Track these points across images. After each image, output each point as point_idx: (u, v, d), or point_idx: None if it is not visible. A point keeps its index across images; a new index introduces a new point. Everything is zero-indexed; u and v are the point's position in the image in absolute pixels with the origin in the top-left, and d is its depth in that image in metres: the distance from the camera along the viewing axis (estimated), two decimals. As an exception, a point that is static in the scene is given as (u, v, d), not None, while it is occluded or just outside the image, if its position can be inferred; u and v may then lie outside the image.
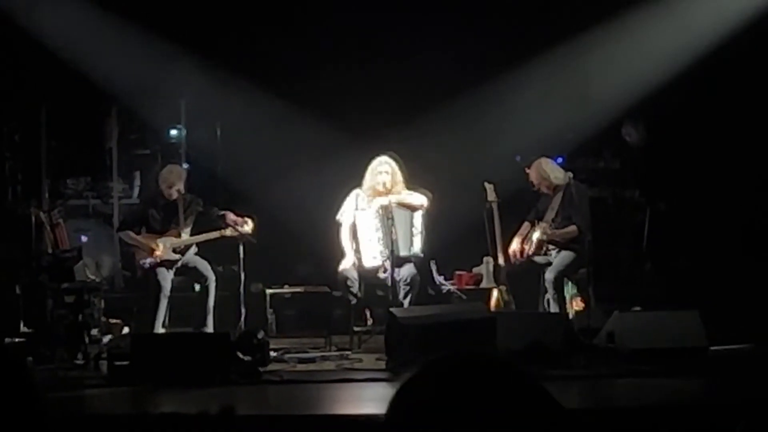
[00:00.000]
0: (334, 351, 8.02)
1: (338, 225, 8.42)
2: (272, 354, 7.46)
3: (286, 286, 9.28)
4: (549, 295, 8.34)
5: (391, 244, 8.07)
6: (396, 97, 9.85)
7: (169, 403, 6.32)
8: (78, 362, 7.60)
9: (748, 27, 9.34)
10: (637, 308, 7.95)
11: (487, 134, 10.07)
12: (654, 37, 9.74)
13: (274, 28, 10.02)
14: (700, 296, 8.06)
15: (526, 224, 8.68)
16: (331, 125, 9.90)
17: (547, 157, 8.84)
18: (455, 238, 9.13)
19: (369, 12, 9.72)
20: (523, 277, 8.66)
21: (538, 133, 9.74)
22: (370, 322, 8.67)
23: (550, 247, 8.52)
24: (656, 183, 10.11)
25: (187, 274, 8.76)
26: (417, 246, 8.28)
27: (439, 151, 9.83)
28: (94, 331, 8.12)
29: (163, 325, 8.49)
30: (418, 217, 8.32)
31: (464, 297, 9.09)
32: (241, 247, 8.46)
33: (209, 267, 8.62)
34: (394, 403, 1.42)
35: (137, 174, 10.81)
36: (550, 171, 8.62)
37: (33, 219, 8.84)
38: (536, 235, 8.50)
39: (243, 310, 8.39)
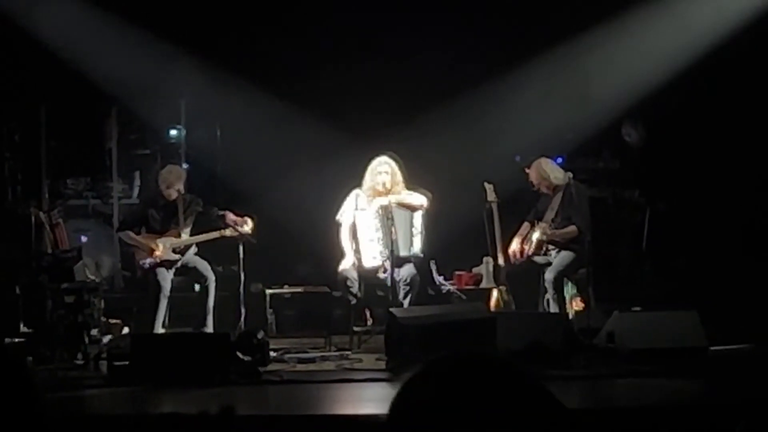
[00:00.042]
0: (334, 351, 8.02)
1: (338, 225, 8.42)
2: (272, 354, 7.46)
3: (285, 287, 9.28)
4: (549, 295, 8.34)
5: (390, 245, 8.07)
6: (396, 97, 9.85)
7: (168, 403, 6.33)
8: (78, 362, 7.60)
9: (748, 27, 9.34)
10: (637, 308, 7.95)
11: (487, 134, 10.07)
12: (654, 37, 9.74)
13: (274, 28, 10.01)
14: (699, 296, 8.06)
15: (526, 224, 8.68)
16: (331, 125, 9.90)
17: (547, 157, 8.84)
18: (455, 238, 9.13)
19: (369, 12, 9.72)
20: (523, 277, 8.66)
21: (537, 133, 9.74)
22: (370, 322, 8.67)
23: (550, 247, 8.52)
24: (656, 183, 10.10)
25: (186, 275, 8.76)
26: (417, 246, 8.28)
27: (439, 151, 9.82)
28: (94, 332, 8.12)
29: (163, 326, 8.49)
30: (417, 218, 8.32)
31: (464, 297, 9.09)
32: (241, 248, 8.46)
33: (209, 267, 8.62)
34: (396, 403, 1.42)
35: (137, 174, 10.81)
36: (550, 171, 8.62)
37: (33, 219, 8.84)
38: (536, 236, 8.50)
39: (243, 311, 8.39)
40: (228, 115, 10.45)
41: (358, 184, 8.46)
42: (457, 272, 9.41)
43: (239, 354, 6.97)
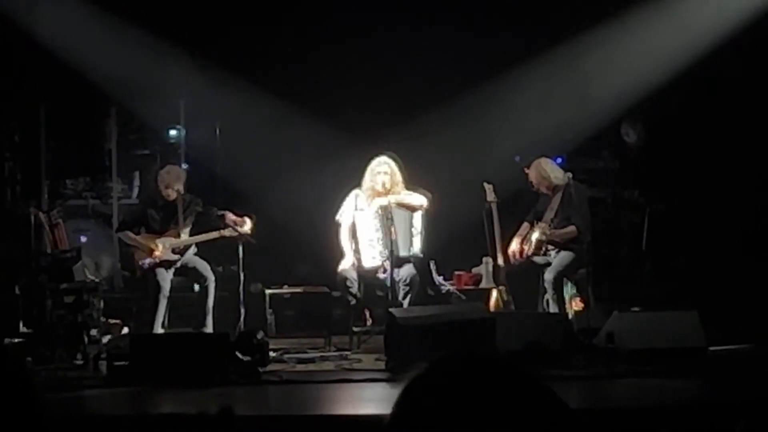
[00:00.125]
0: (334, 351, 8.02)
1: (337, 225, 8.42)
2: (272, 354, 7.46)
3: (285, 287, 9.28)
4: (548, 296, 8.34)
5: (390, 245, 8.06)
6: (396, 97, 9.85)
7: (168, 403, 6.33)
8: (77, 362, 7.60)
9: (748, 27, 9.34)
10: (637, 308, 7.94)
11: (487, 134, 10.07)
12: (654, 37, 9.73)
13: (274, 28, 10.01)
14: (699, 296, 8.07)
15: (526, 224, 8.68)
16: (331, 125, 9.89)
17: (547, 157, 8.84)
18: (455, 238, 9.13)
19: (369, 12, 9.72)
20: (523, 277, 8.66)
21: (537, 133, 9.74)
22: (369, 322, 8.67)
23: (550, 247, 8.52)
24: (656, 183, 10.10)
25: (186, 275, 8.75)
26: (416, 246, 8.28)
27: (439, 152, 9.82)
28: (94, 332, 8.11)
29: (163, 326, 8.49)
30: (417, 218, 8.32)
31: (464, 297, 9.10)
32: (241, 248, 8.45)
33: (208, 267, 8.62)
34: (400, 403, 1.42)
35: (136, 174, 10.82)
36: (550, 171, 8.62)
37: (32, 219, 8.83)
38: (535, 236, 8.50)
39: (242, 311, 8.38)
40: (227, 115, 10.45)
41: (358, 184, 8.45)
42: (457, 272, 9.42)
43: (239, 354, 6.96)
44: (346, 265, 8.31)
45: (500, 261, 8.66)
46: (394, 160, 8.44)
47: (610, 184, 10.22)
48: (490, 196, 8.69)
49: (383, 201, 8.25)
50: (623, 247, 10.16)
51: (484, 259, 9.06)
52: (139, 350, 7.00)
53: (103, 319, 8.49)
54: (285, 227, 9.52)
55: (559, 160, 9.50)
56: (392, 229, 8.08)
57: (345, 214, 8.39)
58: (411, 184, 8.46)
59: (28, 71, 10.04)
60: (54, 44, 9.78)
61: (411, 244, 8.25)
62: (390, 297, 7.99)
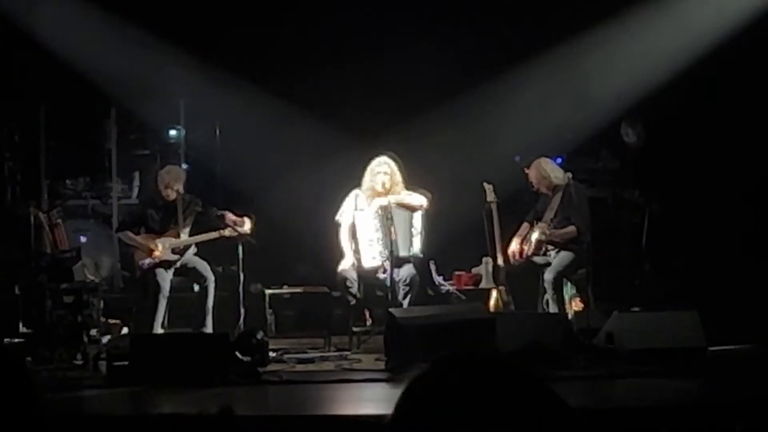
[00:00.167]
0: (334, 351, 8.02)
1: (337, 225, 8.42)
2: (271, 354, 7.46)
3: (285, 287, 9.27)
4: (548, 296, 8.34)
5: (390, 245, 8.06)
6: (395, 97, 9.84)
7: (168, 403, 6.33)
8: (77, 363, 7.59)
9: (748, 27, 9.33)
10: (636, 308, 7.95)
11: (487, 134, 10.07)
12: (654, 37, 9.73)
13: (274, 28, 10.01)
14: (699, 296, 8.07)
15: (525, 225, 8.68)
16: (331, 125, 9.89)
17: (547, 157, 8.83)
18: (454, 238, 9.13)
19: (369, 12, 9.72)
20: (522, 277, 8.66)
21: (537, 133, 9.74)
22: (369, 322, 8.67)
23: (549, 247, 8.52)
24: (655, 183, 10.10)
25: (186, 275, 8.74)
26: (416, 246, 8.28)
27: (439, 152, 9.82)
28: (93, 332, 8.12)
29: (162, 326, 8.48)
30: (417, 218, 8.32)
31: (463, 297, 9.10)
32: (240, 248, 8.45)
33: (208, 267, 8.62)
34: (401, 403, 1.42)
35: (136, 174, 10.82)
36: (550, 171, 8.61)
37: (32, 219, 8.83)
38: (535, 236, 8.50)
39: (242, 311, 8.38)
40: (227, 115, 10.45)
41: (358, 184, 8.45)
42: (457, 272, 9.41)
43: (238, 354, 6.97)
44: (345, 265, 8.31)
45: (500, 261, 8.66)
46: (394, 160, 8.44)
47: (609, 184, 10.22)
48: (490, 196, 8.69)
49: (383, 201, 8.25)
50: (623, 247, 10.16)
51: (484, 259, 9.06)
52: (138, 350, 7.00)
53: (102, 319, 8.50)
54: (285, 227, 9.52)
55: (559, 160, 9.50)
56: (392, 229, 8.08)
57: (345, 214, 8.39)
58: (411, 184, 8.46)
59: (28, 71, 10.04)
60: (54, 44, 9.78)
61: (411, 244, 8.25)
62: (390, 297, 7.99)
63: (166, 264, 8.55)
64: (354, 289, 8.22)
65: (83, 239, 9.93)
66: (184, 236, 8.66)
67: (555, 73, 10.02)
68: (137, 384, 6.66)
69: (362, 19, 9.71)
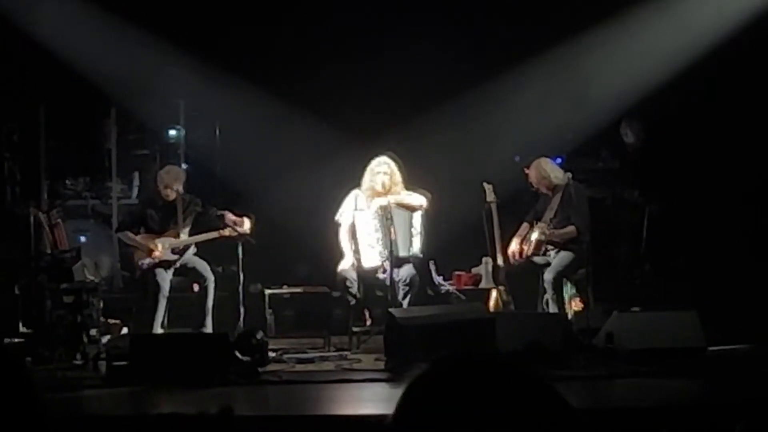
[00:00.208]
0: (333, 351, 8.02)
1: (337, 225, 8.42)
2: (271, 354, 7.46)
3: (285, 287, 9.27)
4: (548, 296, 8.34)
5: (390, 245, 8.06)
6: (395, 97, 9.84)
7: (167, 403, 6.32)
8: (77, 363, 7.59)
9: (747, 27, 9.33)
10: (636, 308, 7.95)
11: (487, 134, 10.07)
12: (653, 37, 9.73)
13: (273, 28, 10.01)
14: (698, 296, 8.07)
15: (525, 225, 8.67)
16: (331, 125, 9.89)
17: (547, 157, 8.83)
18: (454, 238, 9.13)
19: (368, 11, 9.72)
20: (522, 277, 8.66)
21: (537, 133, 9.74)
22: (369, 322, 8.66)
23: (549, 247, 8.52)
24: (655, 183, 10.10)
25: (186, 275, 8.75)
26: (416, 246, 8.28)
27: (439, 152, 9.82)
28: (93, 332, 8.11)
29: (162, 326, 8.48)
30: (417, 218, 8.31)
31: (463, 297, 9.09)
32: (240, 248, 8.45)
33: (208, 267, 8.62)
34: (402, 403, 1.42)
35: (136, 174, 10.81)
36: (550, 171, 8.61)
37: (32, 219, 8.83)
38: (535, 236, 8.50)
39: (242, 311, 8.38)
40: (227, 115, 10.44)
41: (358, 184, 8.45)
42: (457, 272, 9.41)
43: (238, 354, 6.97)
44: (345, 265, 8.31)
45: (500, 261, 8.66)
46: (394, 160, 8.44)
47: (609, 184, 10.22)
48: (490, 197, 8.69)
49: (383, 201, 8.25)
50: (623, 248, 10.16)
51: (484, 259, 9.06)
52: (138, 350, 7.00)
53: (102, 319, 8.49)
54: (285, 227, 9.51)
55: (559, 160, 9.50)
56: (392, 230, 8.08)
57: (345, 215, 8.39)
58: (411, 184, 8.46)
59: (28, 71, 10.03)
60: (54, 44, 9.78)
61: (410, 244, 8.25)
62: (389, 297, 7.99)
63: (165, 264, 8.55)
64: (354, 289, 8.22)
65: (83, 239, 9.94)
66: (184, 236, 8.66)
67: (555, 74, 10.02)
68: (137, 384, 6.66)
69: (362, 19, 9.71)
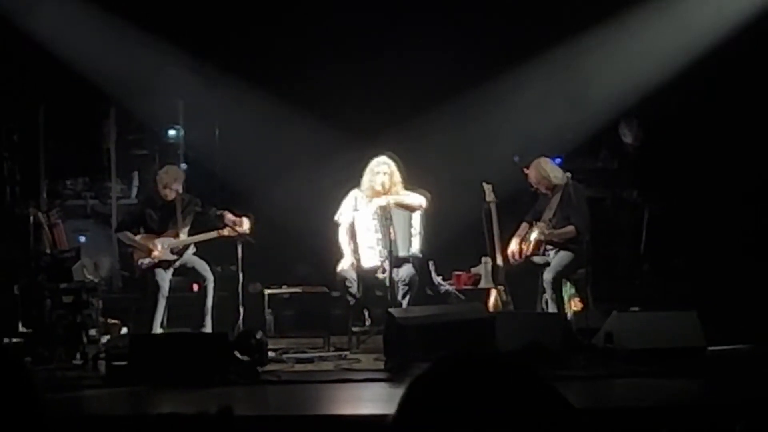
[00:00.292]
0: (333, 351, 8.02)
1: (337, 225, 8.42)
2: (270, 354, 7.46)
3: (284, 287, 9.26)
4: (547, 296, 8.33)
5: (389, 245, 8.06)
6: (395, 97, 9.84)
7: (167, 403, 6.32)
8: (76, 362, 7.60)
9: (747, 27, 9.34)
10: (636, 308, 7.95)
11: (486, 134, 10.07)
12: (653, 37, 9.73)
13: (273, 28, 10.01)
14: (698, 296, 8.07)
15: (525, 225, 8.67)
16: (330, 125, 9.89)
17: (546, 157, 8.83)
18: (454, 238, 9.13)
19: (368, 11, 9.72)
20: (522, 277, 8.66)
21: (537, 133, 9.74)
22: (368, 322, 8.67)
23: (549, 247, 8.52)
24: (654, 183, 10.10)
25: (185, 275, 8.75)
26: (415, 246, 8.28)
27: (438, 152, 9.82)
28: (93, 332, 8.11)
29: (162, 326, 8.48)
30: (416, 218, 8.32)
31: (463, 297, 9.09)
32: (240, 248, 8.45)
33: (207, 267, 8.62)
34: (404, 403, 1.42)
35: (135, 174, 10.81)
36: (550, 170, 8.61)
37: (31, 219, 8.83)
38: (534, 236, 8.50)
39: (241, 311, 8.38)
40: (226, 116, 10.44)
41: (357, 184, 8.45)
42: (456, 272, 9.41)
43: (238, 354, 6.96)
44: (345, 265, 8.31)
45: (499, 261, 8.66)
46: (394, 160, 8.44)
47: (609, 184, 10.22)
48: (490, 197, 8.69)
49: (382, 201, 8.25)
50: (622, 247, 10.16)
51: (483, 259, 9.06)
52: (138, 350, 7.00)
53: (102, 319, 8.49)
54: (284, 227, 9.51)
55: (559, 160, 9.49)
56: (391, 230, 8.08)
57: (344, 215, 8.39)
58: (410, 184, 8.46)
59: (28, 71, 10.03)
60: (53, 44, 9.78)
61: (410, 244, 8.25)
62: (389, 297, 7.99)
63: (165, 264, 8.55)
64: (353, 289, 8.22)
65: (82, 239, 9.94)
66: (183, 236, 8.66)
67: (555, 74, 10.03)
68: (136, 384, 6.66)
69: (362, 19, 9.71)
